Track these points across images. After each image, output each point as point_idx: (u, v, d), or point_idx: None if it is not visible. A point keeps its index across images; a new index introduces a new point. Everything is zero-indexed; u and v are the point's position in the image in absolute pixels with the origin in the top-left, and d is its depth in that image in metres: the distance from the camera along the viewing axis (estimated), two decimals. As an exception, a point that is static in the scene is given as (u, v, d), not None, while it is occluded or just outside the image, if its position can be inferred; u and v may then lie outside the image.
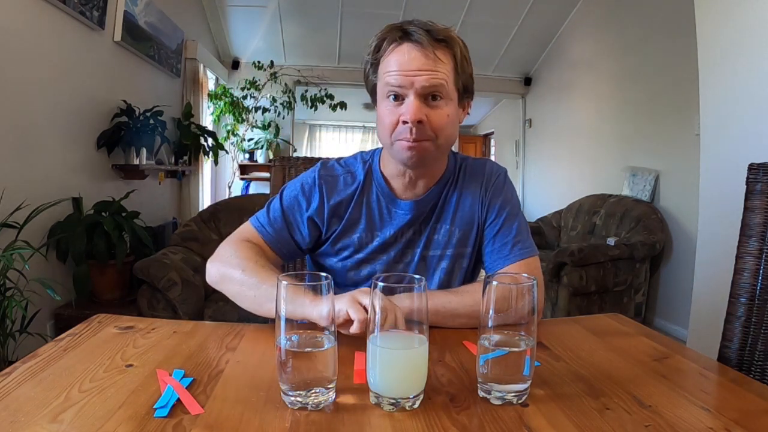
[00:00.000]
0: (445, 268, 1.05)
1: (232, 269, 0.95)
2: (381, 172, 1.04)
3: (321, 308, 0.67)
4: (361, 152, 1.10)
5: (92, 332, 0.85)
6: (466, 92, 0.99)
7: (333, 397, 0.64)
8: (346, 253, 1.05)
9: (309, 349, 0.64)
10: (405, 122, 0.90)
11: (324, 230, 1.05)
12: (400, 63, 0.90)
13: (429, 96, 0.91)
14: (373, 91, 0.99)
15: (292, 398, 0.62)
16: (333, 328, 0.65)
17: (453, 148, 1.06)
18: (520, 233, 1.03)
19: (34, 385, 0.65)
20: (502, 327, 0.65)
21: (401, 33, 0.92)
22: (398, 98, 0.92)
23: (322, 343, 0.64)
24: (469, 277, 1.09)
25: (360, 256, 1.05)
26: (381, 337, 0.63)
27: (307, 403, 0.62)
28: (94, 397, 0.62)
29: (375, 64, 0.96)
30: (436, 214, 1.05)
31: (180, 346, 0.81)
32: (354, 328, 0.75)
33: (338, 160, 1.10)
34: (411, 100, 0.90)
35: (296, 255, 1.09)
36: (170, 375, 0.69)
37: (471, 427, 0.59)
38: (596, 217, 3.88)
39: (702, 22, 2.16)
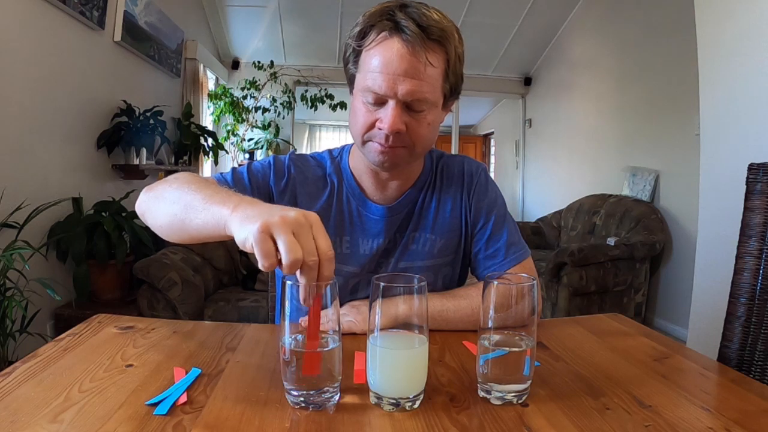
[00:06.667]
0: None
1: (169, 186, 0.79)
2: (350, 170, 0.98)
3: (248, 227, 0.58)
4: (329, 149, 1.03)
5: (92, 332, 0.85)
6: (452, 94, 0.89)
7: (338, 397, 0.64)
8: None
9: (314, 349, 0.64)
10: (381, 129, 0.83)
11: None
12: (385, 62, 0.80)
13: (412, 102, 0.82)
14: (351, 80, 0.90)
15: (298, 397, 0.62)
16: (338, 328, 0.64)
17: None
18: (512, 235, 0.99)
19: (34, 385, 0.65)
20: (502, 327, 0.65)
21: (392, 24, 0.80)
22: (378, 101, 0.83)
23: (326, 344, 0.64)
24: (453, 286, 1.01)
25: None
26: (381, 337, 0.63)
27: (314, 403, 0.62)
28: (94, 397, 0.62)
29: (357, 52, 0.85)
30: (413, 222, 0.98)
31: (180, 346, 0.81)
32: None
33: (308, 154, 1.03)
34: (391, 107, 0.81)
35: None
36: (186, 373, 0.69)
37: (471, 427, 0.59)
38: (596, 217, 3.88)
39: (702, 22, 2.16)
